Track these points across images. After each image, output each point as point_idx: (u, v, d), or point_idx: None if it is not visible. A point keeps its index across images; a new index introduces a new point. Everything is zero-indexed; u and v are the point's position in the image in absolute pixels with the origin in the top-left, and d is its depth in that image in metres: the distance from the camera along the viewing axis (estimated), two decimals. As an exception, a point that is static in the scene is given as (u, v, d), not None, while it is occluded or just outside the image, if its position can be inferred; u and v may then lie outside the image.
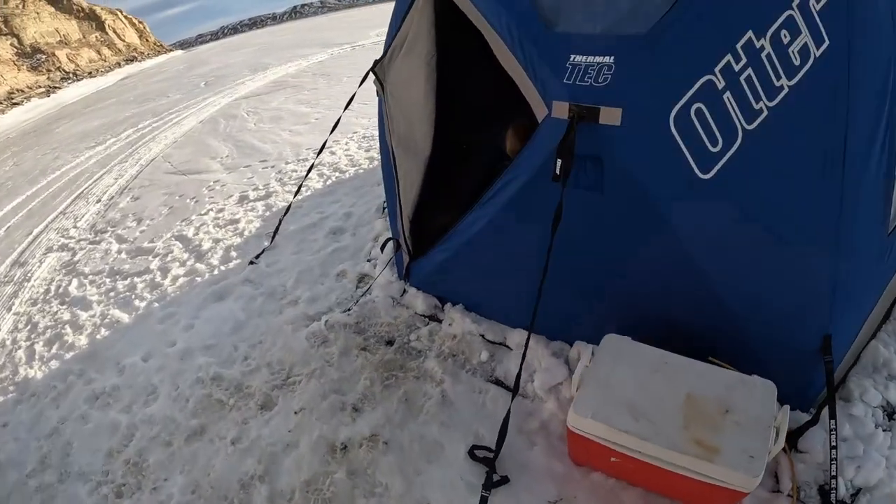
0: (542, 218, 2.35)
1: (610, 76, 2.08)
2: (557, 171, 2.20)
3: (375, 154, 6.76)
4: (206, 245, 5.08)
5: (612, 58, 2.09)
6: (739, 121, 2.12)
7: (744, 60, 2.07)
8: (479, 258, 2.98)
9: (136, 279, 4.78)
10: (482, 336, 3.15)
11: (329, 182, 6.13)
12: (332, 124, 4.21)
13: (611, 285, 2.62)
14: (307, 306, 3.80)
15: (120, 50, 46.99)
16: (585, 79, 2.11)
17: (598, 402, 2.16)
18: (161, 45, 56.23)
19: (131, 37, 50.66)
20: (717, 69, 2.07)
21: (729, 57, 2.06)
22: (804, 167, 2.16)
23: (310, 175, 5.40)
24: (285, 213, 4.99)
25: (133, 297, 4.49)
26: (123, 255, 5.39)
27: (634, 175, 2.20)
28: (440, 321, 3.35)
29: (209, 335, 3.74)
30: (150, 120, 13.12)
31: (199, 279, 4.49)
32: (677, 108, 2.08)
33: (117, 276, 4.95)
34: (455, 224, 3.06)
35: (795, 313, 2.27)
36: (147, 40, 53.84)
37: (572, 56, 2.16)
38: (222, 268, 4.60)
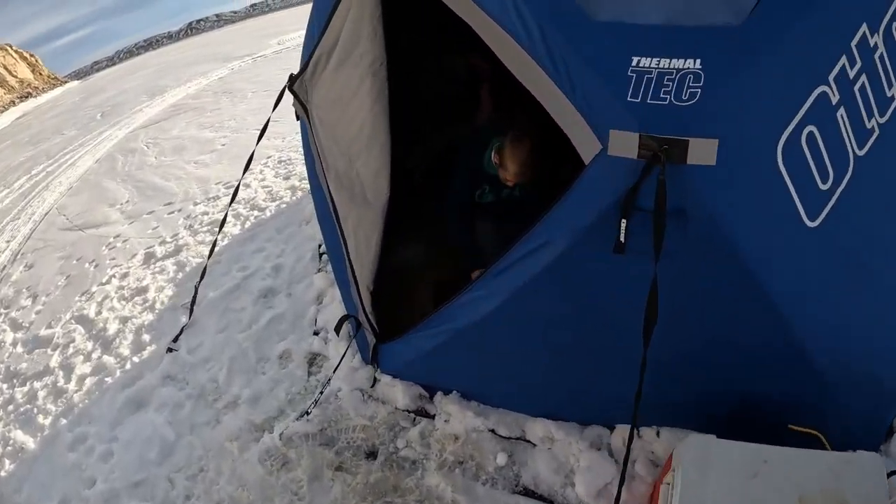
0: (591, 297, 1.71)
1: (699, 91, 1.20)
2: (622, 238, 1.36)
3: (297, 182, 5.48)
4: (113, 327, 3.82)
5: (699, 61, 1.21)
6: (852, 145, 1.45)
7: (858, 64, 1.40)
8: (487, 343, 2.05)
9: (36, 384, 3.53)
10: (492, 432, 2.23)
11: (247, 224, 4.82)
12: (240, 151, 3.10)
13: (668, 357, 1.80)
14: (250, 410, 2.71)
15: (13, 87, 42.04)
16: (662, 94, 1.22)
17: (698, 536, 1.49)
18: (56, 77, 51.02)
19: (24, 72, 45.51)
20: (831, 77, 1.35)
21: (844, 60, 1.37)
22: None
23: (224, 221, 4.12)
24: (201, 279, 3.67)
25: (35, 410, 3.28)
26: (20, 349, 4.05)
27: (725, 231, 1.38)
28: (431, 416, 2.38)
29: (134, 466, 2.63)
30: (45, 163, 11.08)
31: (108, 379, 3.29)
32: (787, 133, 1.30)
33: (15, 381, 3.67)
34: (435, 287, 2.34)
35: (883, 358, 1.78)
36: (41, 74, 48.57)
37: (635, 59, 1.26)
38: (135, 359, 3.40)
